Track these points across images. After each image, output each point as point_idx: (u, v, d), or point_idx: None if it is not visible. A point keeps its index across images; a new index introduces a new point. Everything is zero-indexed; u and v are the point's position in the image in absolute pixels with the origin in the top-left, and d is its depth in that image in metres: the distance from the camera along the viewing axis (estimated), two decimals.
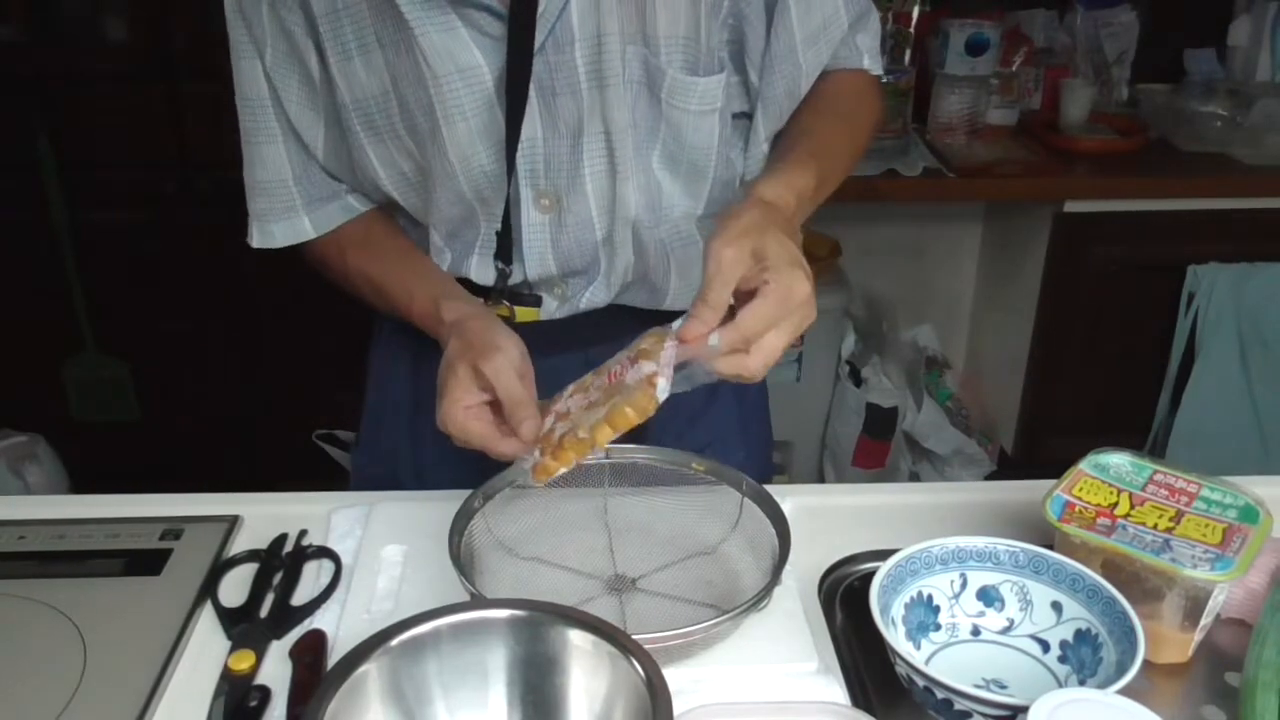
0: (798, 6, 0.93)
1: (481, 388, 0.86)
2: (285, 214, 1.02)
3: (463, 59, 0.89)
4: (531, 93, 0.90)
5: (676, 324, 0.78)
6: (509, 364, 0.85)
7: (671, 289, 1.03)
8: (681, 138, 0.96)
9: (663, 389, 0.75)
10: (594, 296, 1.03)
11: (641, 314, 1.05)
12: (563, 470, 0.80)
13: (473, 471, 1.04)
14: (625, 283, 1.03)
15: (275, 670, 0.81)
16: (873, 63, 1.03)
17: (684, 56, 0.92)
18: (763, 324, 0.75)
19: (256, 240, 1.03)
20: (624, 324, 1.05)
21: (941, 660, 0.81)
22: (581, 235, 0.99)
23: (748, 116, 1.01)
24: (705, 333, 0.75)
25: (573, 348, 1.06)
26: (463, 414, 0.85)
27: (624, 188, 0.95)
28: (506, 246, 0.99)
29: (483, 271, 1.02)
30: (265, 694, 0.77)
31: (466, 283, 1.03)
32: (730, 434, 1.12)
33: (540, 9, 0.86)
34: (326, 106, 0.97)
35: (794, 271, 0.76)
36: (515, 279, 1.01)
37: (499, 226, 0.98)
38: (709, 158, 0.98)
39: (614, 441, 0.92)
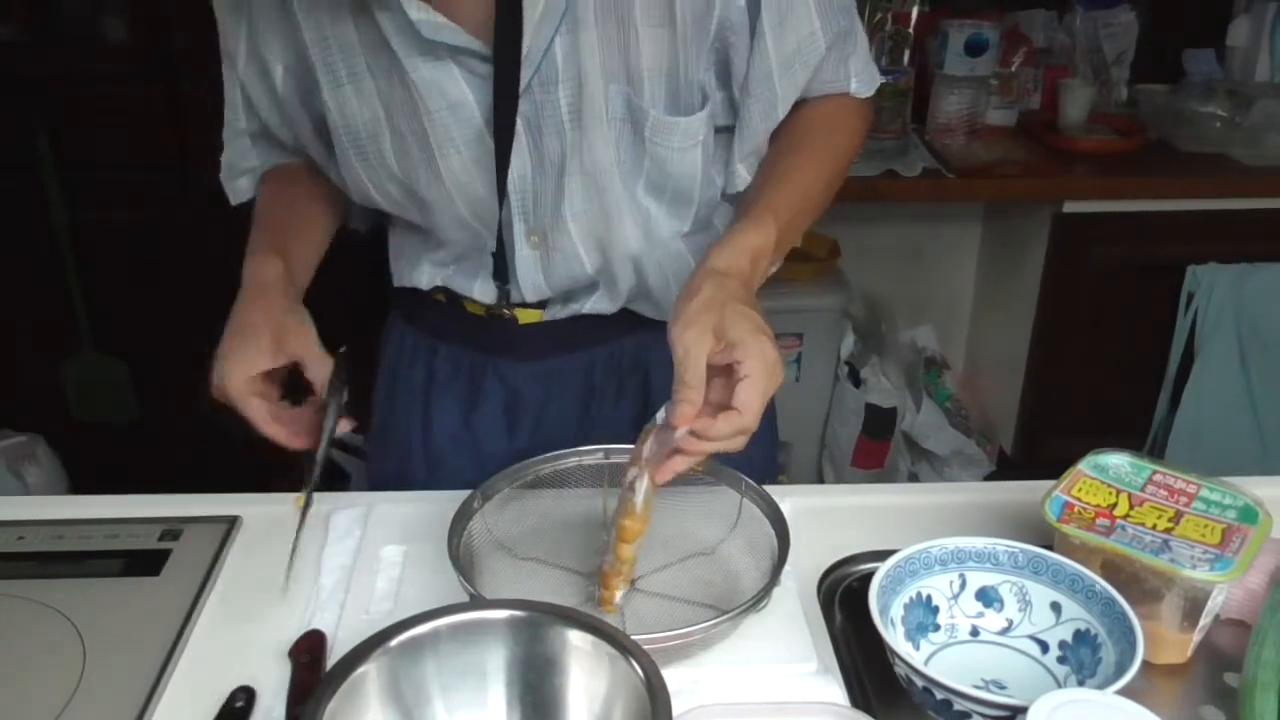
0: (772, 34, 0.92)
1: (274, 357, 0.89)
2: (242, 159, 1.06)
3: (452, 94, 0.90)
4: (520, 130, 0.91)
5: (660, 415, 0.80)
6: (317, 346, 0.90)
7: (674, 302, 1.04)
8: (665, 170, 0.96)
9: (640, 491, 0.79)
10: (598, 305, 1.04)
11: (647, 321, 1.06)
12: (620, 594, 0.84)
13: (484, 466, 1.04)
14: (630, 299, 1.04)
15: (266, 670, 0.81)
16: (860, 85, 1.01)
17: (667, 94, 0.92)
18: (760, 400, 0.77)
19: (233, 198, 1.08)
20: (628, 327, 1.05)
21: (940, 661, 0.81)
22: (571, 269, 1.00)
23: (731, 130, 1.00)
24: (694, 413, 0.77)
25: (576, 348, 1.06)
26: (247, 384, 0.88)
27: (619, 226, 0.97)
28: (503, 269, 1.00)
29: (485, 291, 1.03)
30: (250, 695, 0.78)
31: (469, 300, 1.04)
32: None
33: (524, 50, 0.87)
34: (310, 113, 0.99)
35: (759, 339, 0.78)
36: (515, 297, 1.03)
37: (494, 248, 0.99)
38: (693, 185, 0.98)
39: (613, 443, 0.94)
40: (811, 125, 1.00)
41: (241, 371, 0.88)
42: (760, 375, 0.77)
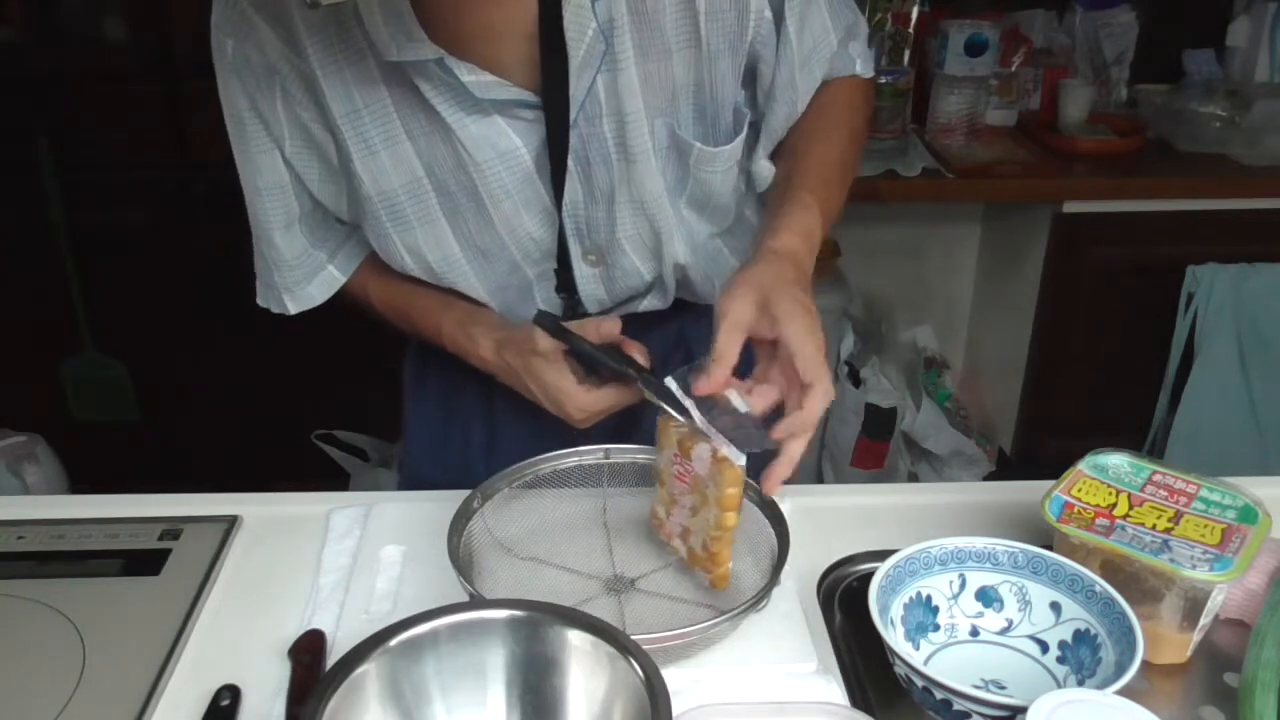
0: (796, 37, 0.95)
1: (573, 373, 0.94)
2: (314, 274, 1.04)
3: (501, 145, 0.91)
4: (570, 162, 0.93)
5: (670, 380, 0.82)
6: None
7: (715, 291, 1.06)
8: (708, 189, 0.99)
9: (736, 454, 0.80)
10: (652, 303, 1.07)
11: (690, 305, 1.10)
12: (730, 563, 0.85)
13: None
14: (675, 293, 1.08)
15: (266, 669, 0.81)
16: (864, 67, 1.05)
17: (694, 110, 0.94)
18: (815, 365, 0.78)
19: (294, 308, 1.05)
20: (673, 312, 1.09)
21: (940, 661, 0.81)
22: (630, 281, 1.03)
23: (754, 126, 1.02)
24: (714, 388, 0.79)
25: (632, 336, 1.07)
26: (586, 395, 0.94)
27: (670, 242, 0.99)
28: (567, 283, 1.02)
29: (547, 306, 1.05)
30: (235, 694, 0.78)
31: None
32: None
33: (570, 90, 0.89)
34: (346, 182, 0.97)
35: (807, 321, 0.79)
36: (580, 311, 1.05)
37: (554, 273, 1.01)
38: (732, 198, 1.02)
39: (615, 442, 0.96)
40: (828, 108, 1.02)
41: (572, 394, 0.94)
42: (814, 350, 0.79)
